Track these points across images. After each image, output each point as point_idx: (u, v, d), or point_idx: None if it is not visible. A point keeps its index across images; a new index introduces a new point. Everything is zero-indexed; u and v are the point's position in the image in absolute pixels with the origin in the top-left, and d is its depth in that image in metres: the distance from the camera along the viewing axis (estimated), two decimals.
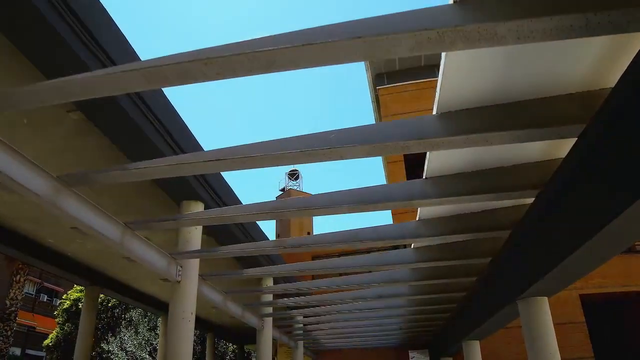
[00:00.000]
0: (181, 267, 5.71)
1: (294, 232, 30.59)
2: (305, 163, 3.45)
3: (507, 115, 3.11)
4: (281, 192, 49.68)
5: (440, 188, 4.01)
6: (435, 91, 3.19)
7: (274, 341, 16.49)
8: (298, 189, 49.00)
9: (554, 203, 3.73)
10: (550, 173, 3.69)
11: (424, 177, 4.09)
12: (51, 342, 22.45)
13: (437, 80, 3.10)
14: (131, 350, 19.76)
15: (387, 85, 19.92)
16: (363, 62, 20.47)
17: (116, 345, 19.49)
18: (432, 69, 19.86)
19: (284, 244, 5.04)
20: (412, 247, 5.91)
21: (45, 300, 39.01)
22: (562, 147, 3.54)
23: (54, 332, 23.90)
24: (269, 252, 5.16)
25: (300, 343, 13.26)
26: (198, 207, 6.19)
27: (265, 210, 4.06)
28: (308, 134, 3.21)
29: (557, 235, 3.78)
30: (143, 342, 19.84)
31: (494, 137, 3.09)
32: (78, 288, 24.52)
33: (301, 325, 11.86)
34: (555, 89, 3.05)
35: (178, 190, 5.95)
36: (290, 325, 11.70)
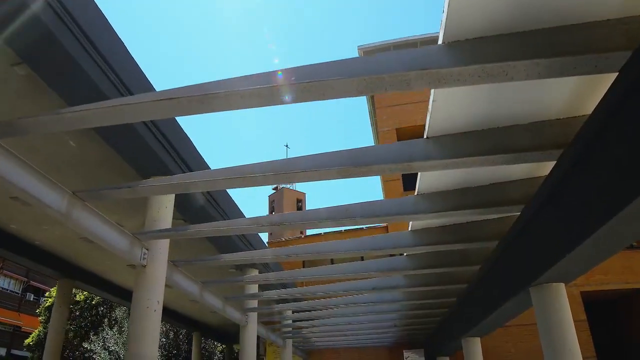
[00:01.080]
0: (147, 249, 5.01)
1: (290, 234, 30.03)
2: None
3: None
4: (274, 191, 49.04)
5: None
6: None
7: (262, 340, 15.82)
8: (291, 188, 48.40)
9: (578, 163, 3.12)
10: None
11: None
12: (32, 341, 21.56)
13: None
14: (114, 350, 18.92)
15: None
16: (357, 53, 19.87)
17: (99, 344, 18.65)
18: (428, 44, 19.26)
19: (263, 221, 4.39)
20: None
21: (32, 299, 37.99)
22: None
23: (35, 331, 23.04)
24: (246, 231, 4.48)
25: (289, 342, 12.55)
26: None
27: (234, 175, 3.39)
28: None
29: (578, 213, 3.18)
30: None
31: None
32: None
33: (290, 321, 11.16)
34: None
35: (146, 164, 5.28)
36: (278, 321, 11.01)
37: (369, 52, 19.46)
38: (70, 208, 3.85)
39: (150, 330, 4.76)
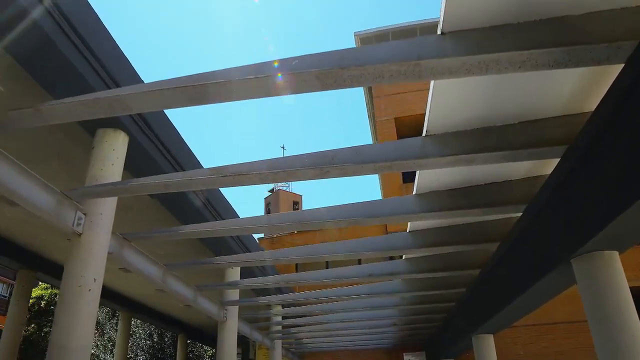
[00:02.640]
0: (84, 214, 3.96)
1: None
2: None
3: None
4: (270, 194, 48.01)
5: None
6: None
7: (253, 342, 14.69)
8: (287, 190, 47.43)
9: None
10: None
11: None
12: None
13: None
14: (94, 353, 17.71)
15: None
16: (353, 37, 18.94)
17: None
18: None
19: (227, 171, 3.37)
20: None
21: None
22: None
23: None
24: (204, 184, 3.45)
25: (278, 343, 11.44)
26: (117, 138, 4.49)
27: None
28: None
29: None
30: (109, 343, 17.82)
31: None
32: (43, 285, 22.58)
33: (279, 318, 10.08)
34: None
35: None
36: (265, 318, 9.91)
37: (366, 40, 18.56)
38: None
39: (83, 315, 3.70)
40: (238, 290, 7.61)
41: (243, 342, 15.80)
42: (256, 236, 17.86)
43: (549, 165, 3.81)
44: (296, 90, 2.54)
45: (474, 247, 5.16)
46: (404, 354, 13.99)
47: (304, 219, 4.46)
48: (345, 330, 10.63)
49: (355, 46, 19.03)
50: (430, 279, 6.90)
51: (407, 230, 5.26)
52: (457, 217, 4.64)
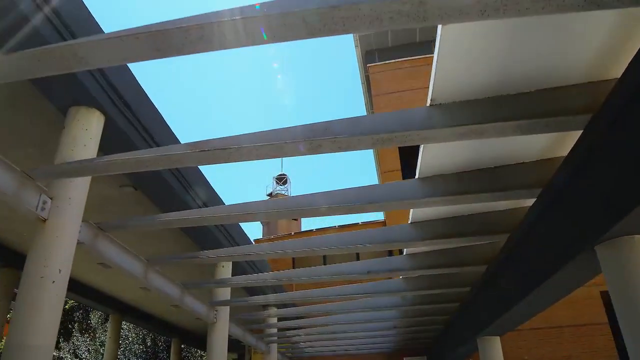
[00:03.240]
0: (50, 198, 3.56)
1: (283, 231, 28.59)
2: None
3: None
4: (268, 197, 47.58)
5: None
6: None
7: (247, 346, 14.21)
8: (286, 194, 47.03)
9: None
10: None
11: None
12: None
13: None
14: (85, 357, 17.21)
15: (379, 63, 18.02)
16: (352, 39, 18.62)
17: (68, 351, 16.95)
18: (428, 45, 18.07)
19: (205, 146, 2.98)
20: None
21: None
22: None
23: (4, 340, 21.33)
24: (180, 160, 3.06)
25: (274, 346, 10.98)
26: (91, 117, 4.11)
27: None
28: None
29: None
30: (101, 348, 17.32)
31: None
32: None
33: (275, 320, 9.64)
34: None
35: (62, 93, 3.91)
36: (260, 320, 9.46)
37: (365, 37, 18.23)
38: None
39: (45, 310, 3.29)
40: (229, 289, 7.19)
41: (239, 347, 15.32)
42: (253, 238, 17.45)
43: (565, 145, 3.43)
44: (280, 38, 2.16)
45: (480, 239, 4.77)
46: (404, 358, 13.54)
47: (299, 205, 4.05)
48: (343, 333, 10.18)
49: None
50: (432, 276, 6.50)
51: (409, 222, 4.87)
52: (463, 203, 4.22)
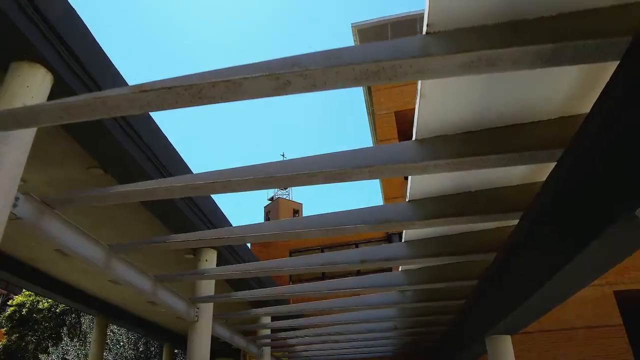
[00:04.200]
0: None
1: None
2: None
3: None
4: (270, 202, 46.99)
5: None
6: None
7: (243, 351, 13.52)
8: (287, 198, 46.48)
9: None
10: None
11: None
12: None
13: None
14: None
15: None
16: (352, 39, 18.09)
17: (57, 356, 16.30)
18: None
19: (150, 86, 2.40)
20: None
21: None
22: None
23: None
24: (118, 105, 2.45)
25: (267, 350, 10.31)
26: (35, 74, 3.54)
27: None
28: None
29: None
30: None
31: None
32: (27, 293, 21.52)
33: (269, 319, 8.99)
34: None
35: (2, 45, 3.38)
36: (248, 320, 8.81)
37: (364, 31, 17.73)
38: None
39: None
40: (212, 285, 6.56)
41: (235, 353, 14.65)
42: None
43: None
44: None
45: (490, 218, 4.09)
46: None
47: (281, 169, 3.33)
48: (342, 335, 9.52)
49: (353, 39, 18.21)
50: (434, 268, 5.86)
51: (406, 199, 4.24)
52: (471, 165, 3.58)
